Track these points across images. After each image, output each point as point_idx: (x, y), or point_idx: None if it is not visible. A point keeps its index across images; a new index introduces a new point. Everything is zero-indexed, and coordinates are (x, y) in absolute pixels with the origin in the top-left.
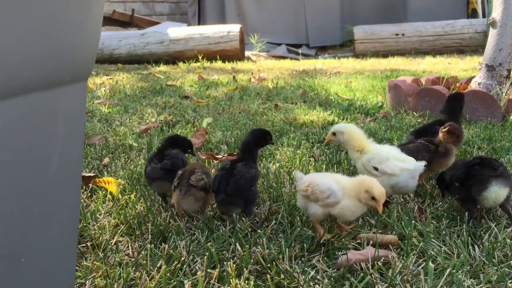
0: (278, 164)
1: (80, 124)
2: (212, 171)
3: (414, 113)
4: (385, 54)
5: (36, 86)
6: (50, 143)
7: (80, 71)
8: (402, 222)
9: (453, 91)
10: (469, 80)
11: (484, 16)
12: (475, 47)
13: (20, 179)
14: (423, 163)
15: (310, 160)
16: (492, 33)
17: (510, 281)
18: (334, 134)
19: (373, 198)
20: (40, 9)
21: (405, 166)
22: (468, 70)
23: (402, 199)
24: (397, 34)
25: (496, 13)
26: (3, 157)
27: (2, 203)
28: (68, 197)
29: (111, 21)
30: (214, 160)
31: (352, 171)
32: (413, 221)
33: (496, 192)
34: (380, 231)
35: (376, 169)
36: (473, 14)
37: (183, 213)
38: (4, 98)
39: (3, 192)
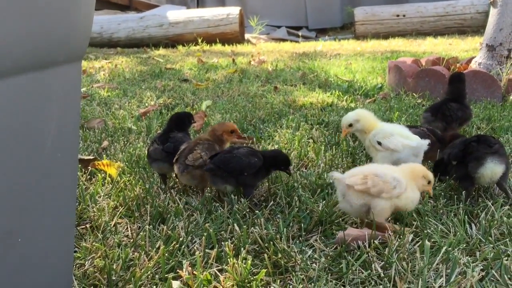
0: (277, 145)
1: (75, 105)
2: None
3: (414, 94)
4: (385, 36)
5: (29, 66)
6: (45, 123)
7: (73, 51)
8: None
9: (453, 71)
10: (469, 60)
11: None
12: (477, 28)
13: (15, 160)
14: (427, 141)
15: (309, 142)
16: (493, 13)
17: (506, 258)
18: (350, 125)
19: (429, 182)
20: None
21: (407, 143)
22: (469, 50)
23: None
24: (398, 15)
25: None
26: None
27: None
28: (65, 178)
29: (109, 4)
30: None
31: (350, 152)
32: None
33: (492, 169)
34: None
35: (379, 143)
36: None
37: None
38: None
39: None
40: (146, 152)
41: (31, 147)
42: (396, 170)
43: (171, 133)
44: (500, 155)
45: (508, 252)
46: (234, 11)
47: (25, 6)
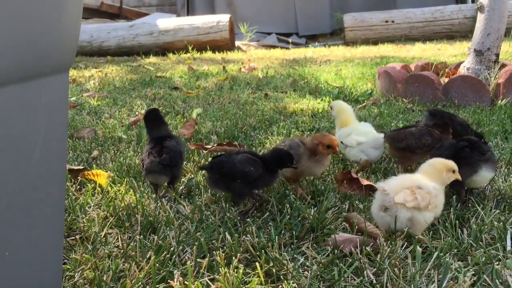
0: None
1: (63, 116)
2: (202, 161)
3: (404, 99)
4: (375, 41)
5: (15, 78)
6: (32, 135)
7: (60, 62)
8: None
9: (442, 77)
10: (458, 65)
11: (473, 1)
12: (465, 33)
13: (1, 172)
14: (381, 135)
15: None
16: (480, 18)
17: (497, 263)
18: (331, 108)
19: (454, 171)
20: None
21: (360, 139)
22: (457, 55)
23: None
24: (387, 21)
25: None
26: None
27: None
28: (53, 190)
29: (99, 13)
30: (203, 151)
31: (341, 158)
32: None
33: (484, 176)
34: (368, 216)
35: (341, 142)
36: None
37: None
38: None
39: None
40: (141, 164)
41: (18, 158)
42: (423, 173)
43: (164, 141)
44: (491, 162)
45: (499, 256)
46: (224, 18)
47: (10, 18)
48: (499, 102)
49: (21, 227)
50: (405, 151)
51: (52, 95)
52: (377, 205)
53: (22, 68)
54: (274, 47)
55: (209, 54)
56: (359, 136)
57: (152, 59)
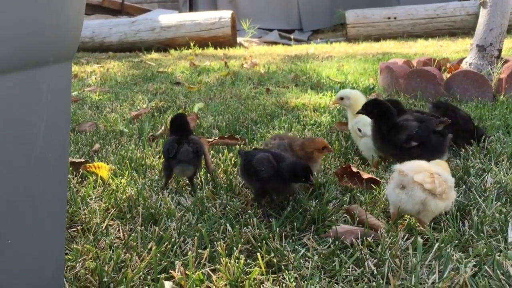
0: None
1: (66, 106)
2: None
3: (406, 94)
4: (377, 38)
5: (18, 65)
6: (35, 124)
7: (63, 51)
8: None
9: (444, 72)
10: (460, 61)
11: None
12: (467, 29)
13: (4, 161)
14: None
15: None
16: (483, 13)
17: (498, 254)
18: (341, 98)
19: None
20: None
21: None
22: (459, 52)
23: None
24: (389, 18)
25: None
26: None
27: None
28: (55, 179)
29: (101, 9)
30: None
31: (343, 152)
32: None
33: None
34: (369, 208)
35: (360, 130)
36: None
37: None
38: None
39: None
40: (167, 153)
41: (20, 147)
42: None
43: (187, 137)
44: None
45: (500, 247)
46: (226, 14)
47: (13, 5)
48: (501, 97)
49: (23, 218)
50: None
51: (55, 84)
52: (393, 184)
53: (25, 56)
54: (276, 43)
55: (211, 50)
56: None
57: (154, 55)
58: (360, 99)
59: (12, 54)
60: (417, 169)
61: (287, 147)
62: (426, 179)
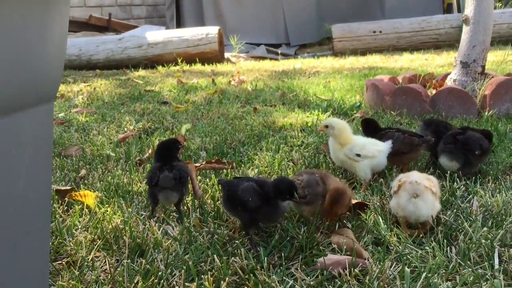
0: (257, 169)
1: (47, 147)
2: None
3: (392, 112)
4: (363, 52)
5: None
6: (15, 167)
7: (44, 92)
8: (379, 225)
9: (429, 88)
10: (445, 76)
11: (459, 11)
12: (451, 42)
13: None
14: (389, 143)
15: (289, 164)
16: (466, 30)
17: (485, 283)
18: (326, 126)
19: None
20: None
21: (379, 148)
22: (444, 65)
23: (378, 203)
24: (374, 32)
25: (469, 10)
26: None
27: None
28: (37, 220)
29: (87, 26)
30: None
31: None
32: (390, 225)
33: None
34: (357, 235)
35: (358, 155)
36: (448, 9)
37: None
38: None
39: None
40: (149, 181)
41: (1, 193)
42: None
43: (171, 163)
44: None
45: (487, 276)
46: (212, 30)
47: None
48: (486, 113)
49: (4, 259)
50: (394, 156)
51: (36, 127)
52: (406, 195)
53: (5, 100)
54: (263, 58)
55: (198, 67)
56: (374, 146)
57: (141, 72)
58: (345, 132)
59: None
60: (421, 177)
61: (319, 180)
62: (430, 183)
